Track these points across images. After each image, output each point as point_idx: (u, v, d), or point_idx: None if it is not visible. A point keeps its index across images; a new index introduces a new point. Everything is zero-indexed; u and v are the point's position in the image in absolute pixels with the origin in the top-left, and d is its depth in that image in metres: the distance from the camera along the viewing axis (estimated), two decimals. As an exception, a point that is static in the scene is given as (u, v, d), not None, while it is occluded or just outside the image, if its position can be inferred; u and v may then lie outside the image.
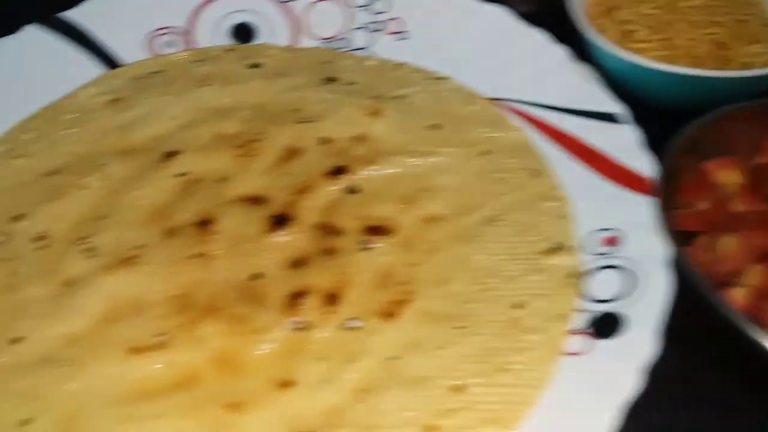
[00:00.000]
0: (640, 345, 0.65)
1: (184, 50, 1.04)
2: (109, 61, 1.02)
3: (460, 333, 0.69)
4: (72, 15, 1.03)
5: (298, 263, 0.77)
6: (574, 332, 0.68)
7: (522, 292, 0.72)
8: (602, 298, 0.70)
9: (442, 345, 0.69)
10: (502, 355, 0.67)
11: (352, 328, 0.71)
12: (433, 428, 0.63)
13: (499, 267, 0.75)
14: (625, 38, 0.94)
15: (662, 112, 0.85)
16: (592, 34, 0.89)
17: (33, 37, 1.01)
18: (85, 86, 1.00)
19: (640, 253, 0.72)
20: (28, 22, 1.01)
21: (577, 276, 0.73)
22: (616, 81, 0.89)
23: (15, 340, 0.71)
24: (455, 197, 0.82)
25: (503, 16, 0.99)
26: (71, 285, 0.76)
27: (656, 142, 0.82)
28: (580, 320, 0.69)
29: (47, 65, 1.00)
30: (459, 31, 1.00)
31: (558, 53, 0.94)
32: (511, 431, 0.62)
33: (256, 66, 1.01)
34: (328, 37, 1.04)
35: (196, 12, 1.05)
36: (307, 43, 1.05)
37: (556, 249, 0.75)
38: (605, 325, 0.68)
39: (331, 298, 0.73)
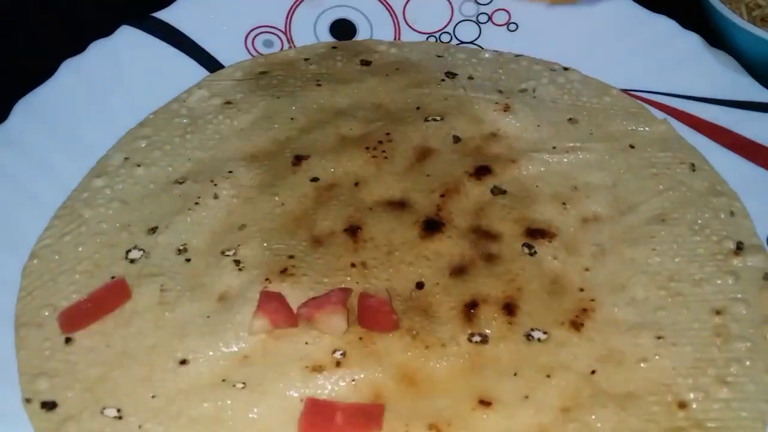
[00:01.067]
0: None
1: (289, 49, 1.00)
2: (208, 61, 0.98)
3: (661, 344, 0.66)
4: (165, 15, 0.98)
5: (460, 270, 0.74)
6: (783, 337, 0.65)
7: (718, 297, 0.68)
8: (804, 300, 0.67)
9: (644, 357, 0.65)
10: (716, 366, 0.64)
11: (538, 340, 0.68)
12: (665, 448, 0.60)
13: (680, 269, 0.71)
14: (759, 23, 0.91)
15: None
16: (733, 17, 0.86)
17: (129, 38, 0.96)
18: (192, 90, 0.95)
19: (831, 250, 0.69)
20: (122, 22, 0.97)
21: (775, 277, 0.69)
22: (755, 68, 0.86)
23: (184, 362, 0.67)
24: (612, 195, 0.78)
25: (624, 2, 0.95)
26: (227, 300, 0.72)
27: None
28: (786, 324, 0.66)
29: (145, 67, 0.95)
30: (573, 20, 0.96)
31: (690, 40, 0.90)
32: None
33: (366, 63, 0.97)
34: (432, 31, 1.00)
35: (293, 9, 1.01)
36: (410, 37, 1.00)
37: (741, 248, 0.72)
38: (814, 329, 0.65)
39: (508, 308, 0.70)
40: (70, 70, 0.91)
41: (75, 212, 0.80)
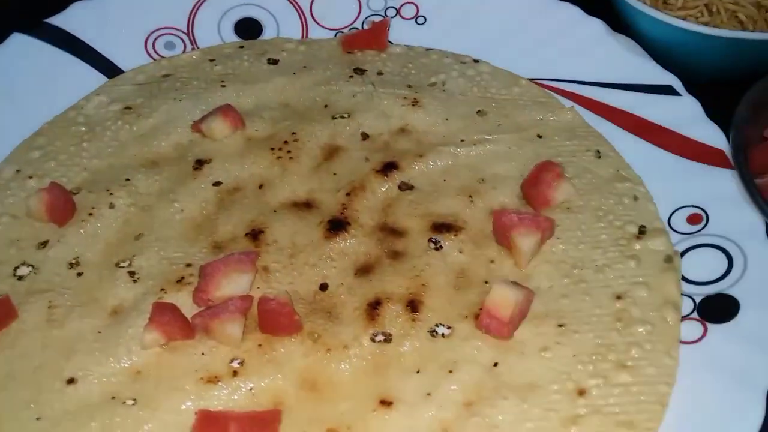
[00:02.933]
0: (762, 325, 0.61)
1: (192, 51, 0.96)
2: (107, 67, 0.94)
3: (563, 332, 0.65)
4: (59, 20, 0.94)
5: (365, 270, 0.71)
6: (684, 319, 0.65)
7: (619, 282, 0.68)
8: (705, 280, 0.67)
9: (545, 346, 0.64)
10: (616, 351, 0.63)
11: (442, 336, 0.66)
12: (563, 438, 0.58)
13: (584, 257, 0.70)
14: (662, 6, 0.91)
15: (708, 83, 0.82)
16: (634, 2, 0.86)
17: (21, 46, 0.92)
18: (90, 96, 0.91)
19: (733, 229, 0.69)
20: (12, 30, 0.92)
21: (674, 259, 0.69)
22: (658, 52, 0.86)
23: (71, 381, 0.64)
24: (519, 186, 0.77)
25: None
26: (120, 314, 0.69)
27: (712, 114, 0.79)
28: (687, 306, 0.65)
29: (41, 75, 0.91)
30: (480, 12, 0.95)
31: (593, 26, 0.90)
32: (649, 433, 0.58)
33: (274, 62, 0.94)
34: (341, 26, 0.98)
35: (196, 9, 0.98)
36: (318, 34, 0.98)
37: (644, 233, 0.71)
38: (715, 309, 0.64)
39: (412, 305, 0.68)
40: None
41: (-40, 230, 0.76)
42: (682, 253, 0.70)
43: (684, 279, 0.68)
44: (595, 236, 0.72)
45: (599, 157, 0.80)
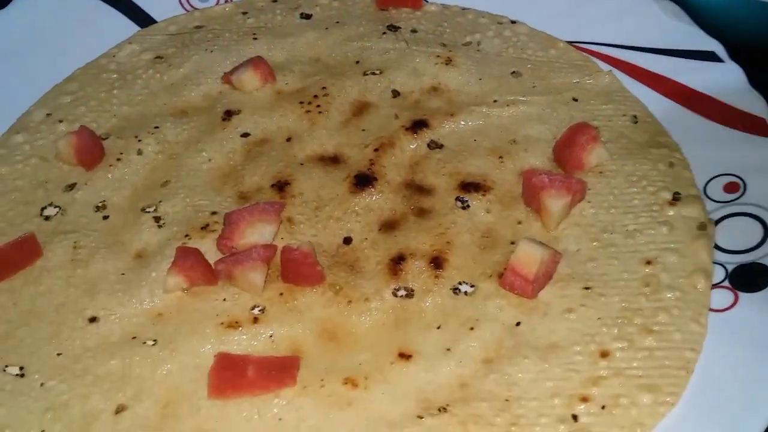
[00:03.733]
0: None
1: (225, 3, 0.96)
2: (140, 16, 0.94)
3: (588, 294, 0.63)
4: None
5: (390, 225, 0.71)
6: (715, 287, 0.63)
7: (650, 248, 0.66)
8: (738, 249, 0.65)
9: (569, 308, 0.63)
10: (642, 316, 0.61)
11: (464, 293, 0.65)
12: (583, 399, 0.57)
13: (614, 221, 0.69)
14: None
15: (752, 51, 0.79)
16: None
17: (57, -7, 0.92)
18: (122, 44, 0.91)
19: (770, 199, 0.66)
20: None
21: (708, 226, 0.67)
22: (701, 17, 0.83)
23: (93, 319, 0.64)
24: (550, 148, 0.75)
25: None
26: (144, 257, 0.69)
27: (755, 82, 0.76)
28: (719, 274, 0.64)
29: (74, 22, 0.91)
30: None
31: (635, -11, 0.87)
32: (671, 397, 0.56)
33: (307, 17, 0.93)
34: (374, -19, 0.96)
35: (230, -39, 0.97)
36: (354, -9, 0.97)
37: (678, 199, 0.69)
38: (748, 278, 0.62)
39: (436, 262, 0.67)
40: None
41: (-10, 168, 0.77)
42: (717, 222, 0.67)
43: (717, 247, 0.66)
44: (627, 201, 0.70)
45: (636, 122, 0.77)
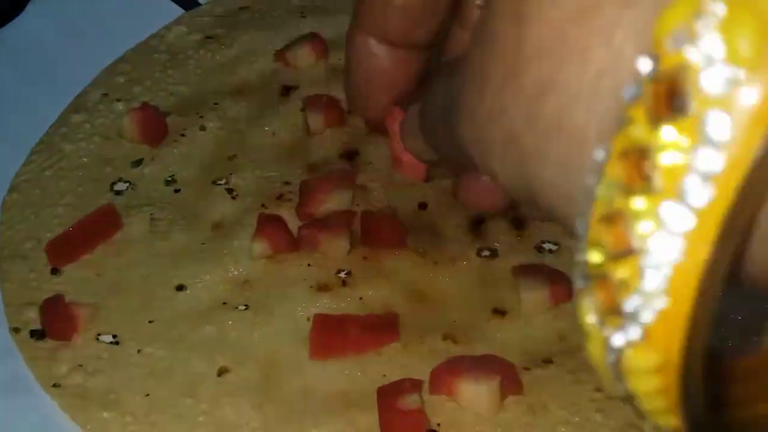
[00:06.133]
0: None
1: (269, -17, 0.96)
2: (186, 1, 0.94)
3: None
4: (137, -48, 0.94)
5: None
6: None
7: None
8: None
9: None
10: None
11: (549, 251, 0.66)
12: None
13: None
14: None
15: None
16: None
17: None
18: (170, 26, 0.91)
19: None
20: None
21: None
22: None
23: (180, 287, 0.64)
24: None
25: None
26: (222, 227, 0.69)
27: None
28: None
29: (120, 3, 0.91)
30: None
31: None
32: None
33: (353, -5, 0.94)
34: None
35: (272, -58, 0.97)
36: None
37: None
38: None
39: (516, 222, 0.68)
40: (41, 6, 0.86)
41: (54, 147, 0.76)
42: None
43: None
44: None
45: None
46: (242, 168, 0.74)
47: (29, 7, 0.86)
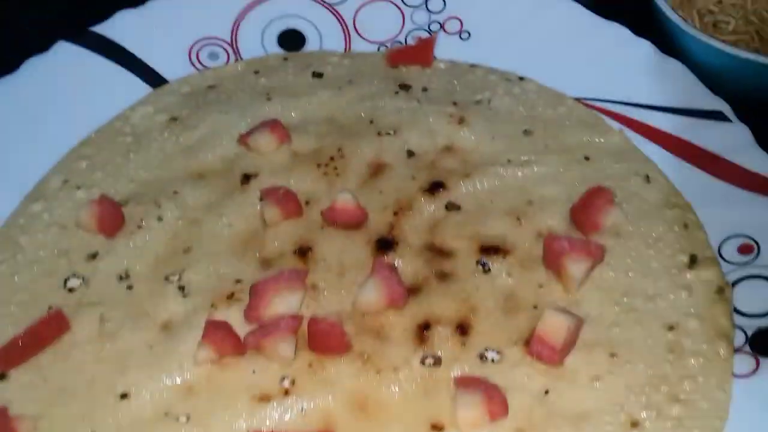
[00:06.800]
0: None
1: (236, 61, 0.97)
2: (151, 76, 0.95)
3: (615, 362, 0.65)
4: (104, 29, 0.94)
5: (413, 290, 0.71)
6: (736, 352, 0.64)
7: (671, 313, 0.67)
8: (757, 312, 0.66)
9: (597, 376, 0.64)
10: (668, 383, 0.63)
11: (491, 361, 0.66)
12: (618, 469, 0.58)
13: (634, 284, 0.70)
14: (710, 30, 0.91)
15: (758, 109, 0.82)
16: (684, 25, 0.85)
17: (66, 54, 0.92)
18: (136, 106, 0.92)
19: (786, 261, 0.68)
20: (58, 37, 0.93)
21: (725, 290, 0.69)
22: (707, 76, 0.85)
23: (124, 395, 0.65)
24: (566, 209, 0.77)
25: (575, 9, 0.94)
26: (171, 329, 0.69)
27: (762, 140, 0.79)
28: (739, 338, 0.65)
29: (85, 83, 0.91)
30: (527, 28, 0.95)
31: (642, 48, 0.89)
32: (702, 468, 0.58)
33: (318, 75, 0.94)
34: (383, 40, 0.98)
35: (239, 20, 0.98)
36: (361, 47, 0.98)
37: (695, 261, 0.71)
38: (768, 342, 0.64)
39: (461, 328, 0.68)
40: (3, 89, 0.87)
41: (10, 240, 0.77)
42: (734, 284, 0.69)
43: (736, 310, 0.67)
44: (645, 264, 0.72)
45: (648, 181, 0.79)
46: (196, 262, 0.75)
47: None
